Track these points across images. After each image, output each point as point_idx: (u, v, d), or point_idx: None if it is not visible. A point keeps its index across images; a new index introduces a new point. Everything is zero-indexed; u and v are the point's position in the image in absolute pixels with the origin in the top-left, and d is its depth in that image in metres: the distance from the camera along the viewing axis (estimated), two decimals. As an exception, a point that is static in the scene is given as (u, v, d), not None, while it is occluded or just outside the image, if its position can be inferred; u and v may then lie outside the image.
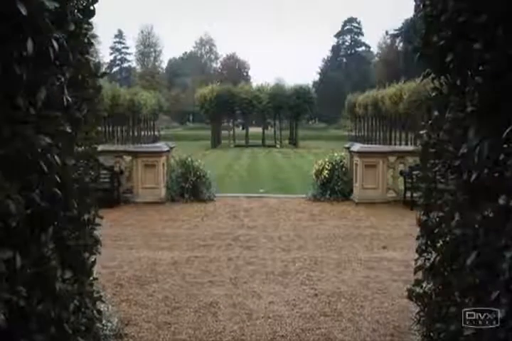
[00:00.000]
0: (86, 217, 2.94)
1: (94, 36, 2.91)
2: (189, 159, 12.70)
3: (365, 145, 15.07)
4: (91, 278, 3.11)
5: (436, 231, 2.98)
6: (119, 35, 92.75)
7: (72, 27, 2.63)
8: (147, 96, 44.53)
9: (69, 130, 2.52)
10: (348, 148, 13.05)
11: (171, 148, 13.17)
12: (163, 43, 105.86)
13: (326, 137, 51.60)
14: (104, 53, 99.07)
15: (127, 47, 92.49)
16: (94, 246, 3.05)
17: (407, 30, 66.19)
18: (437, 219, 3.05)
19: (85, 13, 2.87)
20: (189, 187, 12.26)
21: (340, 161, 12.86)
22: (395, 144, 35.71)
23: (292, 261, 7.18)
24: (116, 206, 11.54)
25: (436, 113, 3.06)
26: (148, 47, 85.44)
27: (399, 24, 72.46)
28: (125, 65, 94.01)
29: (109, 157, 12.42)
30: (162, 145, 13.12)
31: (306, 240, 8.48)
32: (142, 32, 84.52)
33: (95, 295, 3.17)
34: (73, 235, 2.75)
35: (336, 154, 13.25)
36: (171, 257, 7.37)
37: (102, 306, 4.49)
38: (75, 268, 2.75)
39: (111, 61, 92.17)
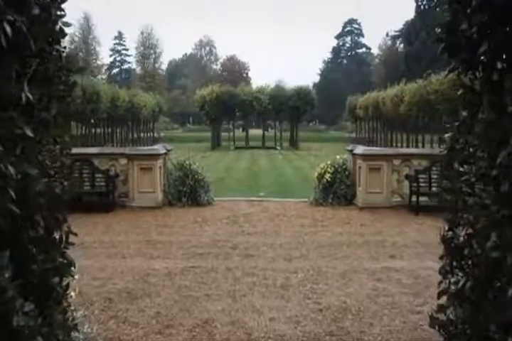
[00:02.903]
0: (57, 235, 2.51)
1: (67, 24, 2.48)
2: (187, 162, 12.28)
3: (369, 148, 14.56)
4: (64, 305, 2.68)
5: (466, 252, 2.55)
6: (119, 36, 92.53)
7: (37, 11, 2.21)
8: (147, 98, 44.26)
9: (30, 134, 2.10)
10: (351, 150, 12.57)
11: (168, 150, 12.74)
12: (163, 45, 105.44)
13: (326, 139, 51.24)
14: (104, 55, 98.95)
15: (127, 49, 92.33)
16: (67, 268, 2.61)
17: (408, 32, 65.83)
18: (465, 236, 2.62)
19: (56, -4, 2.45)
20: (187, 191, 11.83)
21: (343, 164, 12.42)
22: (397, 146, 35.27)
23: (294, 272, 6.74)
24: (112, 210, 11.12)
25: (464, 113, 2.63)
26: (148, 48, 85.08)
27: (399, 25, 72.23)
28: (125, 66, 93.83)
29: (105, 160, 12.02)
30: (159, 148, 12.67)
31: (309, 248, 8.04)
32: (142, 33, 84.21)
33: (69, 323, 2.74)
34: (39, 258, 2.33)
35: (338, 157, 12.80)
36: (166, 267, 6.92)
37: (85, 327, 4.10)
38: (40, 297, 2.33)
39: (111, 63, 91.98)
